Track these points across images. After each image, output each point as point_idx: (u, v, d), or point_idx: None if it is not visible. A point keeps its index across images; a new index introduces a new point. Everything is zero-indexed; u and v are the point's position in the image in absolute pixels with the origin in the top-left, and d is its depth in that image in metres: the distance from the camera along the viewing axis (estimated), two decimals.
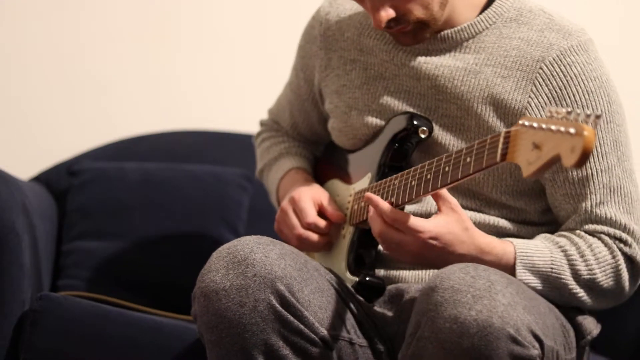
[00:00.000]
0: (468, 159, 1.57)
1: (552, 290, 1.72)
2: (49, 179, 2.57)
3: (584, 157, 1.34)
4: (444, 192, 1.66)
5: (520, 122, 1.46)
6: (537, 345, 1.54)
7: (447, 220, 1.66)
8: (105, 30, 2.78)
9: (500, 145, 1.50)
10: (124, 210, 2.46)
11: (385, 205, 1.67)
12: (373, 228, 1.69)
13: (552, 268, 1.71)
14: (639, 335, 2.20)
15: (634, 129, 1.87)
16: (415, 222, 1.64)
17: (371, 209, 1.70)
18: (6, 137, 2.75)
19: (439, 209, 1.67)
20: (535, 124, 1.42)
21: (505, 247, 1.70)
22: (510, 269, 1.69)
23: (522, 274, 1.70)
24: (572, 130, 1.36)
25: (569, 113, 1.39)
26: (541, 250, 1.72)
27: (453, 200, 1.66)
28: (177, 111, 2.78)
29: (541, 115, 1.74)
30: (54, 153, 2.67)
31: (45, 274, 2.29)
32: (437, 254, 1.66)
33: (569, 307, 1.78)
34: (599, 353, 2.15)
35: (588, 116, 1.37)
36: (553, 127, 1.39)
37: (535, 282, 1.71)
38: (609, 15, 2.79)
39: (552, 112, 1.41)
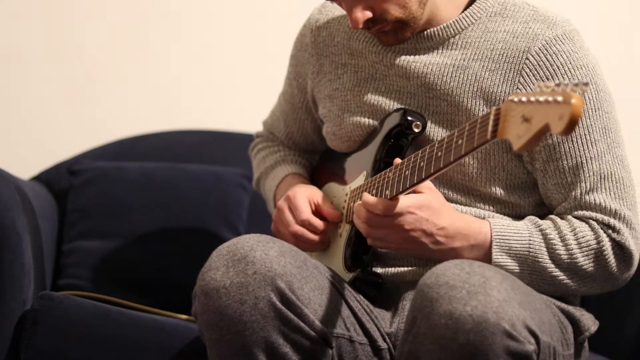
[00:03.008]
0: (460, 141, 1.57)
1: (532, 273, 1.72)
2: (49, 178, 2.57)
3: (572, 123, 1.35)
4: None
5: (510, 98, 1.47)
6: (532, 340, 1.54)
7: (425, 196, 1.69)
8: (105, 30, 2.78)
9: (490, 123, 1.50)
10: (124, 210, 2.46)
11: (370, 197, 1.70)
12: (358, 219, 1.71)
13: (529, 251, 1.72)
14: (639, 335, 2.20)
15: (633, 124, 1.86)
16: (395, 202, 1.67)
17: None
18: (6, 137, 2.75)
19: (415, 191, 1.70)
20: (524, 98, 1.43)
21: (482, 224, 1.73)
22: (486, 247, 1.71)
23: (499, 256, 1.71)
24: (559, 99, 1.37)
25: (557, 85, 1.40)
26: (520, 232, 1.73)
27: (428, 182, 1.69)
28: (177, 111, 2.78)
29: None
30: (54, 153, 2.67)
31: (45, 274, 2.30)
32: (421, 229, 1.68)
33: (566, 302, 1.79)
34: (599, 353, 2.15)
35: (576, 85, 1.38)
36: (541, 99, 1.40)
37: (513, 265, 1.72)
38: (611, 17, 2.80)
39: (541, 87, 1.42)
